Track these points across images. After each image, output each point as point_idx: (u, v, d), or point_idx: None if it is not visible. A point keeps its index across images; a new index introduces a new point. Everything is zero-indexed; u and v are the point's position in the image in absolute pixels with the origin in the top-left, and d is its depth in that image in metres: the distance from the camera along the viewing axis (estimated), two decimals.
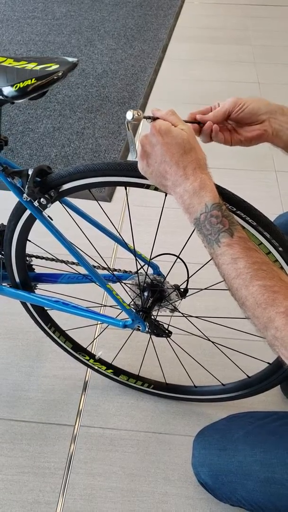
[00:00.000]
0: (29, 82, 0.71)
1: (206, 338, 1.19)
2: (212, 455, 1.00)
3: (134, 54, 3.28)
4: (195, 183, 0.70)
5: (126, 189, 0.77)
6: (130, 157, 0.75)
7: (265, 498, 0.91)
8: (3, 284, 1.08)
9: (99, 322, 1.46)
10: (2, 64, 0.73)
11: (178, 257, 1.01)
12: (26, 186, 0.82)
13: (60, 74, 0.71)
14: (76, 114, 2.62)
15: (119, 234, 1.05)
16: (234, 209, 0.76)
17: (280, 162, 2.22)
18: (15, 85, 0.71)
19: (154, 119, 0.72)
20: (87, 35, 3.55)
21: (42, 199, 0.83)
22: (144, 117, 0.72)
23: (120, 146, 2.35)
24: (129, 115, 0.69)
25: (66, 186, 0.83)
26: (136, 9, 4.05)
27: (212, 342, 1.19)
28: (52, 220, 0.89)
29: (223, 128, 0.85)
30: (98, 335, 1.47)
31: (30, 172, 0.82)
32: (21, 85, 0.71)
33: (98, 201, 0.97)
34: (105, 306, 1.12)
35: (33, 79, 0.71)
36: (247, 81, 2.95)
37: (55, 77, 0.71)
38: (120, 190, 2.06)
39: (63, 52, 3.31)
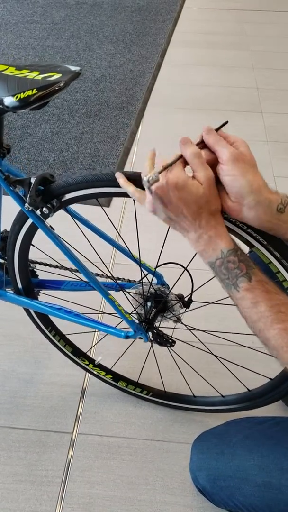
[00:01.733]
0: (30, 92, 0.70)
1: (209, 351, 1.19)
2: (210, 459, 1.00)
3: (133, 59, 3.29)
4: (210, 232, 0.70)
5: (134, 201, 0.76)
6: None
7: (262, 503, 0.91)
8: (6, 290, 1.08)
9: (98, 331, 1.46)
10: (3, 72, 0.73)
11: (185, 269, 1.01)
12: (28, 195, 0.81)
13: (61, 84, 0.71)
14: (75, 119, 2.62)
15: (124, 243, 1.05)
16: (245, 227, 0.75)
17: (279, 169, 2.22)
18: (16, 96, 0.71)
19: (170, 165, 0.69)
20: (85, 40, 3.56)
21: (44, 209, 0.83)
22: (160, 172, 0.68)
23: (119, 151, 2.35)
24: (145, 182, 0.68)
25: (69, 196, 0.83)
26: (135, 14, 4.07)
27: (215, 355, 1.19)
28: (53, 229, 0.89)
29: None
30: (96, 343, 1.46)
31: (32, 181, 0.81)
32: (22, 95, 0.70)
33: (103, 208, 0.96)
34: (107, 313, 1.11)
35: (34, 90, 0.70)
36: (246, 86, 2.96)
37: (56, 88, 0.71)
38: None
39: (62, 56, 3.31)
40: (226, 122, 0.72)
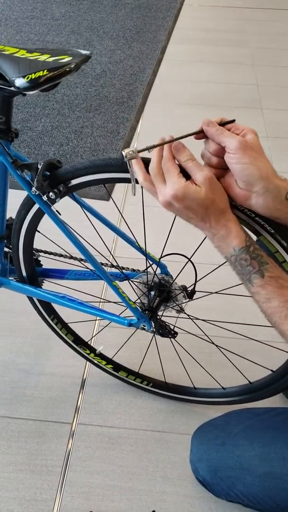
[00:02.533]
0: (41, 73, 0.70)
1: (210, 341, 1.19)
2: (211, 450, 1.00)
3: (133, 55, 3.29)
4: (222, 231, 0.71)
5: (142, 188, 0.76)
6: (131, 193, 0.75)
7: (263, 492, 0.91)
8: (10, 278, 1.07)
9: (99, 318, 1.46)
10: (14, 55, 0.73)
11: (189, 259, 1.01)
12: (35, 179, 0.81)
13: (72, 66, 0.71)
14: (75, 113, 2.61)
15: (131, 233, 1.05)
16: (253, 215, 0.75)
17: (279, 164, 2.22)
18: (27, 76, 0.70)
19: (154, 146, 0.70)
20: (86, 36, 3.55)
21: (51, 194, 0.83)
22: (140, 151, 0.70)
23: (119, 145, 2.35)
24: (123, 155, 0.70)
25: (76, 181, 0.83)
26: (135, 10, 4.06)
27: (216, 345, 1.19)
28: (60, 214, 0.89)
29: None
30: (97, 333, 1.46)
31: (39, 166, 0.81)
32: (33, 76, 0.70)
33: (113, 198, 0.96)
34: (110, 302, 1.11)
35: (45, 71, 0.70)
36: (246, 83, 2.96)
37: (67, 69, 0.70)
38: (118, 189, 2.05)
39: None
40: (233, 120, 0.72)
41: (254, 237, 0.77)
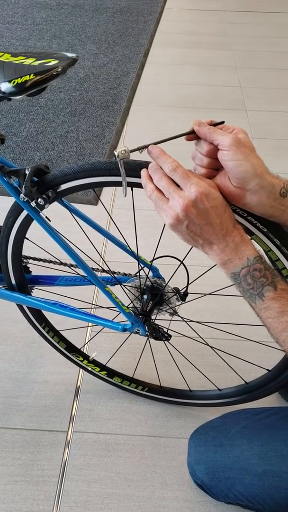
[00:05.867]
0: (27, 77, 0.69)
1: (204, 342, 1.18)
2: (209, 452, 1.00)
3: (116, 59, 3.28)
4: (236, 238, 0.68)
5: (132, 189, 0.75)
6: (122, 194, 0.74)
7: (263, 491, 0.91)
8: None
9: (91, 324, 1.45)
10: None
11: (181, 262, 1.00)
12: (24, 185, 0.80)
13: (59, 69, 0.69)
14: (59, 118, 2.60)
15: (122, 237, 1.03)
16: (245, 215, 0.74)
17: (274, 164, 2.23)
18: (13, 81, 0.69)
19: (146, 147, 0.69)
20: (68, 40, 3.54)
21: (39, 200, 0.81)
22: (132, 151, 0.69)
23: (105, 149, 2.34)
24: (115, 155, 0.68)
25: (65, 186, 0.81)
26: (116, 14, 4.06)
27: (211, 347, 1.18)
28: (50, 221, 0.87)
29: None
30: (90, 340, 1.45)
31: (27, 172, 0.80)
32: (19, 80, 0.69)
33: (104, 205, 0.95)
34: (103, 307, 1.09)
35: (32, 75, 0.69)
36: (229, 85, 2.97)
37: (54, 73, 0.69)
38: (106, 193, 2.04)
39: None
40: (222, 122, 0.72)
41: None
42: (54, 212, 0.96)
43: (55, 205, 0.91)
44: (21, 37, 3.56)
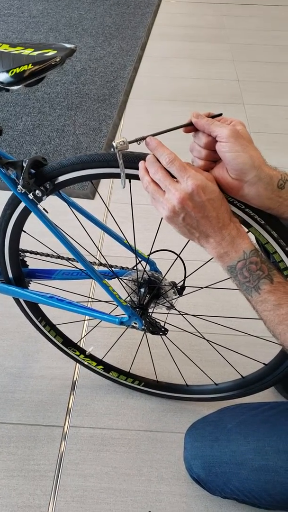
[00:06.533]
0: (25, 67, 0.68)
1: (201, 336, 1.18)
2: (205, 446, 1.00)
3: (113, 52, 3.26)
4: (233, 231, 0.68)
5: (130, 181, 0.74)
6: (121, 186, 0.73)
7: (259, 486, 0.91)
8: None
9: (88, 318, 1.44)
10: None
11: (178, 255, 0.99)
12: (21, 177, 0.79)
13: (58, 59, 0.68)
14: (56, 111, 2.58)
15: (120, 230, 1.02)
16: (243, 207, 0.74)
17: (271, 159, 2.23)
18: (11, 71, 0.68)
19: (144, 138, 0.69)
20: (64, 33, 3.51)
21: (37, 191, 0.80)
22: (130, 142, 0.68)
23: (102, 143, 2.33)
24: (114, 145, 0.68)
25: (62, 178, 0.80)
26: (114, 7, 4.03)
27: (207, 340, 1.18)
28: (47, 213, 0.86)
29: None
30: (86, 334, 1.44)
31: (25, 163, 0.79)
32: (17, 70, 0.68)
33: (102, 198, 0.94)
34: (100, 301, 1.09)
35: (30, 65, 0.68)
36: (227, 79, 2.96)
37: (52, 63, 0.68)
38: (103, 187, 2.03)
39: None
40: (220, 114, 0.71)
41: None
42: (51, 205, 0.95)
43: (53, 198, 0.90)
44: (17, 30, 3.53)
